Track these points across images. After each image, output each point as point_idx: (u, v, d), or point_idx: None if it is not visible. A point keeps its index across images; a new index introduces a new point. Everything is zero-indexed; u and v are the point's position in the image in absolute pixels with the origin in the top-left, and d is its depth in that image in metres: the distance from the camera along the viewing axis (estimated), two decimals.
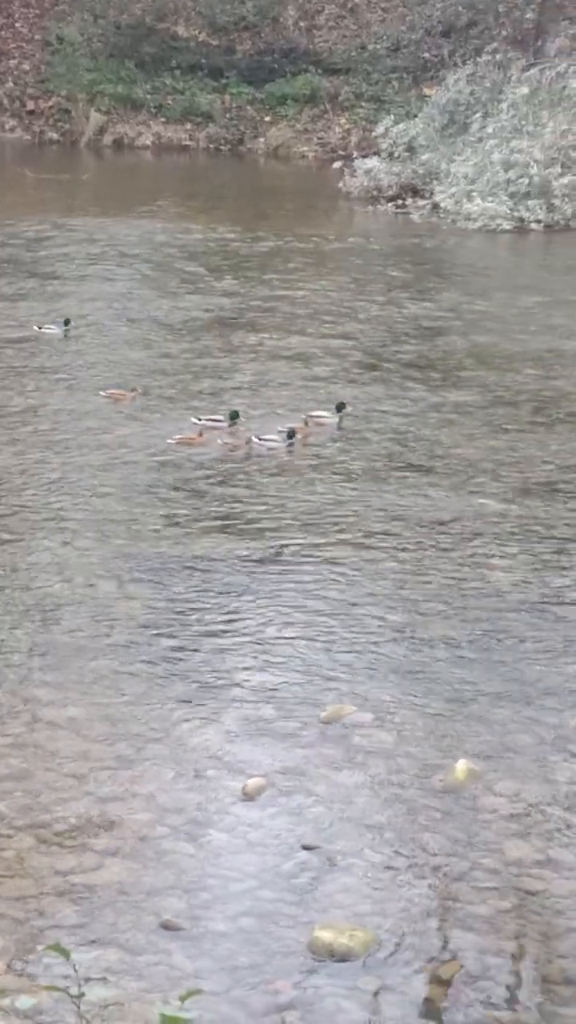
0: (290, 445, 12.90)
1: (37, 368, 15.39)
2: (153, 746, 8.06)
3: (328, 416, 13.59)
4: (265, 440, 12.90)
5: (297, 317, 17.71)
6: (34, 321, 16.72)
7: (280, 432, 12.95)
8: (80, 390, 14.68)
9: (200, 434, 13.17)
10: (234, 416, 13.40)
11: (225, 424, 13.32)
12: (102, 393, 14.42)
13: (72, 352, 16.05)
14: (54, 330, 16.41)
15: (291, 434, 12.93)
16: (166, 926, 6.55)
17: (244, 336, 16.81)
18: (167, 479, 12.17)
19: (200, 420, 13.38)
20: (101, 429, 13.40)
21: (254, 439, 12.94)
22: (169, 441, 13.09)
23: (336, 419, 13.57)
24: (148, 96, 31.50)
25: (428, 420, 13.88)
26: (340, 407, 13.64)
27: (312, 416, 13.58)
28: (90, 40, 32.45)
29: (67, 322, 16.53)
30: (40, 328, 16.42)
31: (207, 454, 12.79)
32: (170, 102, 31.41)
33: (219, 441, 12.95)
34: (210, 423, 13.33)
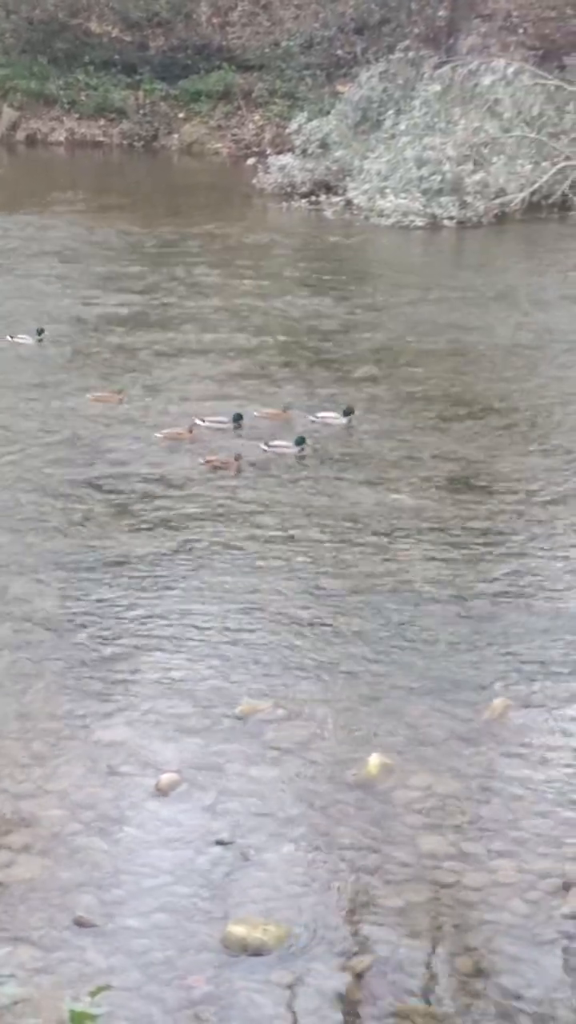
0: (301, 451, 12.73)
1: None
2: (67, 743, 8.03)
3: (335, 417, 13.56)
4: (274, 446, 12.71)
5: (210, 313, 17.68)
6: None
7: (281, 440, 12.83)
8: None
9: (190, 430, 13.00)
10: (238, 418, 13.27)
11: (229, 425, 13.17)
12: (88, 396, 14.24)
13: None
14: (28, 340, 15.94)
15: (300, 440, 12.77)
16: (79, 922, 6.54)
17: (157, 333, 16.76)
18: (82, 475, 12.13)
19: (204, 421, 13.20)
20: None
21: (262, 446, 12.69)
22: (157, 435, 13.01)
23: (345, 421, 13.51)
24: (61, 92, 31.32)
25: None
26: (348, 411, 13.59)
27: (320, 417, 13.56)
28: (2, 35, 32.26)
29: (40, 331, 16.04)
30: (12, 338, 15.97)
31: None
32: (83, 98, 31.25)
33: (210, 458, 12.55)
34: (214, 424, 13.16)
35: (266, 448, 12.66)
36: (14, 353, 15.52)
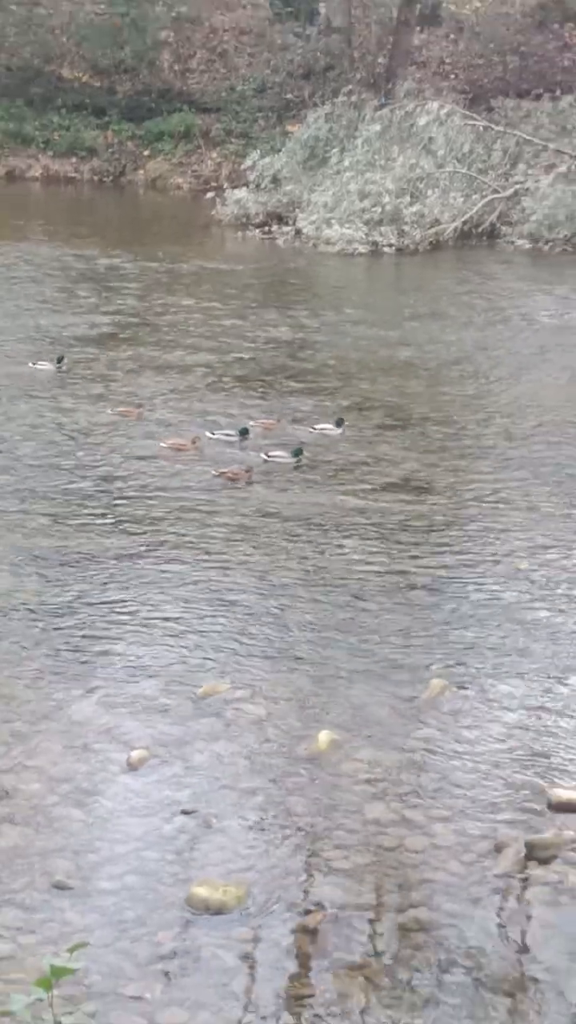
0: (298, 461, 12.63)
1: None
2: (44, 722, 7.99)
3: (332, 428, 13.50)
4: (275, 456, 12.63)
5: (172, 333, 17.65)
6: None
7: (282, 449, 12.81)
8: None
9: (193, 442, 12.86)
10: (244, 432, 13.16)
11: (236, 439, 13.03)
12: (109, 411, 14.08)
13: None
14: (48, 367, 15.60)
15: (297, 451, 12.69)
16: (58, 885, 6.51)
17: (123, 350, 16.71)
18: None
19: (213, 434, 13.06)
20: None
21: (263, 456, 12.60)
22: (161, 445, 12.92)
23: (339, 431, 13.46)
24: (37, 132, 31.15)
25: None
26: (340, 422, 13.55)
27: (319, 428, 13.51)
28: None
29: (60, 359, 15.71)
30: (34, 365, 15.66)
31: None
32: (57, 137, 31.09)
33: (223, 471, 12.35)
34: (223, 437, 13.02)
35: (266, 458, 12.60)
36: (35, 377, 15.29)
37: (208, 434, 13.11)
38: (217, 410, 14.23)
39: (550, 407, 14.42)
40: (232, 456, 12.69)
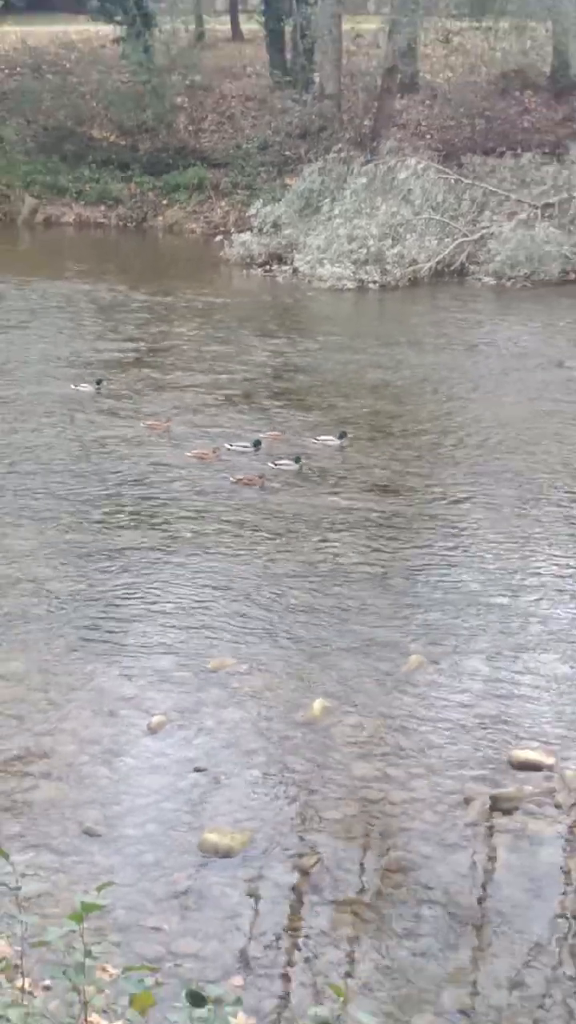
0: (300, 468, 12.49)
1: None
2: (78, 692, 8.01)
3: (332, 440, 13.35)
4: (280, 464, 12.49)
5: (186, 357, 17.60)
6: None
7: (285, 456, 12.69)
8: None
9: (214, 451, 12.77)
10: (257, 444, 13.01)
11: (251, 450, 12.89)
12: (142, 424, 13.94)
13: (17, 381, 15.79)
14: (88, 388, 15.31)
15: (298, 459, 12.58)
16: (87, 832, 6.52)
17: (147, 371, 16.68)
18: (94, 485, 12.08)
19: (231, 446, 12.92)
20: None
21: (270, 464, 12.48)
22: (187, 454, 12.83)
23: (339, 443, 13.30)
24: (70, 184, 31.02)
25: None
26: (342, 435, 13.42)
27: (321, 440, 13.38)
28: (24, 140, 31.90)
29: (99, 382, 15.43)
30: (76, 387, 15.36)
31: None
32: (88, 189, 30.96)
33: (239, 477, 12.18)
34: (239, 448, 12.87)
35: (273, 465, 12.55)
36: (78, 397, 15.18)
37: (227, 445, 13.06)
38: (229, 423, 14.19)
39: (508, 422, 14.40)
40: (247, 464, 12.65)
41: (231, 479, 12.13)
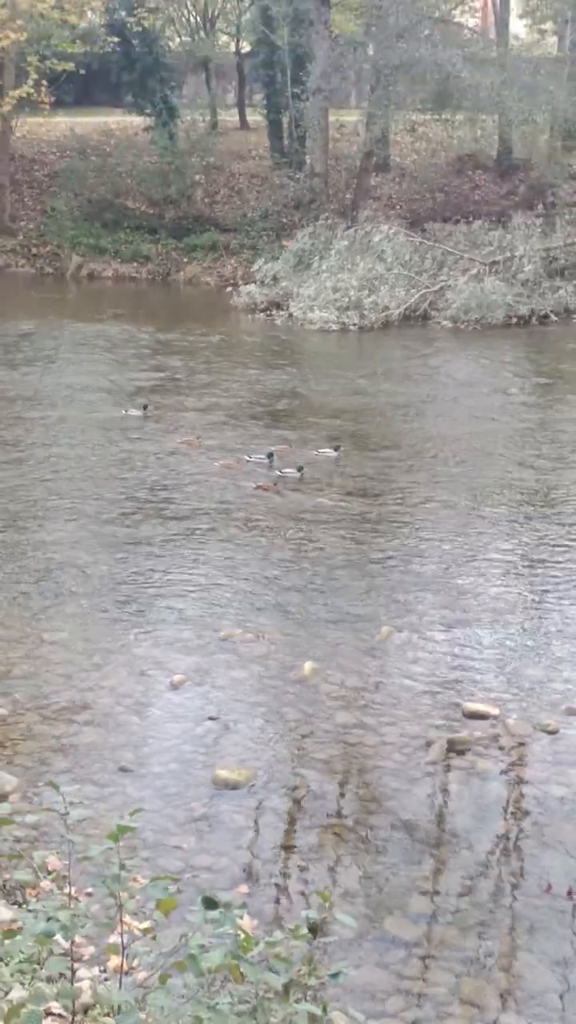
0: (301, 476, 12.35)
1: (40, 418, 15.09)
2: (114, 655, 8.00)
3: (330, 452, 13.21)
4: (285, 472, 12.41)
5: (204, 385, 17.58)
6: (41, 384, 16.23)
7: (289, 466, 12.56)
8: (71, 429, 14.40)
9: (238, 462, 12.65)
10: (270, 456, 12.83)
11: (266, 461, 12.71)
12: (178, 440, 13.72)
13: (71, 404, 15.73)
14: (137, 412, 14.99)
15: (300, 468, 12.45)
16: (122, 769, 6.52)
17: (176, 396, 16.65)
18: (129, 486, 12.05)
19: (250, 458, 12.78)
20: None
21: (277, 472, 12.38)
22: (216, 464, 12.72)
23: (336, 455, 13.15)
24: (109, 245, 30.95)
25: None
26: (337, 447, 13.26)
27: (320, 452, 13.22)
28: (72, 210, 31.84)
29: (146, 407, 15.09)
30: (126, 411, 15.07)
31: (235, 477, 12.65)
32: (123, 249, 30.88)
33: (258, 484, 12.01)
34: (256, 459, 12.71)
35: (280, 473, 12.47)
36: (127, 420, 14.99)
37: (246, 457, 12.98)
38: (245, 438, 14.13)
39: (460, 438, 14.40)
40: (264, 473, 12.60)
41: (253, 486, 12.04)
